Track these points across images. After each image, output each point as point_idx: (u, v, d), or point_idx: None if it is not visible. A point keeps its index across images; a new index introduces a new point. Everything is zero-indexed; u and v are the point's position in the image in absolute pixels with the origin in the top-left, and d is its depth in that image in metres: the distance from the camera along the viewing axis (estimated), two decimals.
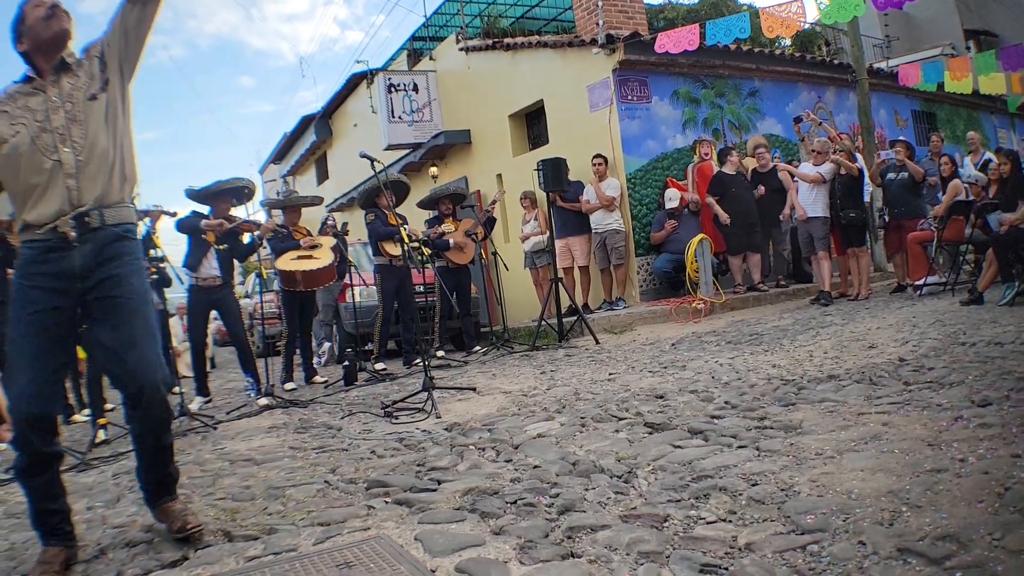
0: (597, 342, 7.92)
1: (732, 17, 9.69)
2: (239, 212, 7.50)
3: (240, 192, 7.22)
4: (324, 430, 4.98)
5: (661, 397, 4.29)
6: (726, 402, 3.89)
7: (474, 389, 5.69)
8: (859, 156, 9.19)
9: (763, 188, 9.67)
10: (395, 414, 5.07)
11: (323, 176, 21.32)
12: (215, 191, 7.04)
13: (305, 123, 20.32)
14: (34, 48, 2.61)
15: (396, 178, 9.01)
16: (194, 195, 7.15)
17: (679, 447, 3.14)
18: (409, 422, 4.75)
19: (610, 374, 5.56)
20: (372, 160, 5.93)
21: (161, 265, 6.52)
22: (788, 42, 19.62)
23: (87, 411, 7.84)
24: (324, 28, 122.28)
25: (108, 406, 7.26)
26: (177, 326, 12.10)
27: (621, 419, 3.83)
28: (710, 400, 4.03)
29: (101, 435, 5.95)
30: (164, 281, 6.82)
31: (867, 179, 9.32)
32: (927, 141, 13.20)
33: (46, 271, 2.52)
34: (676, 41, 9.66)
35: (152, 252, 6.21)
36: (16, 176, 2.52)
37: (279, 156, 24.34)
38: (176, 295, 8.70)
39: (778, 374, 4.63)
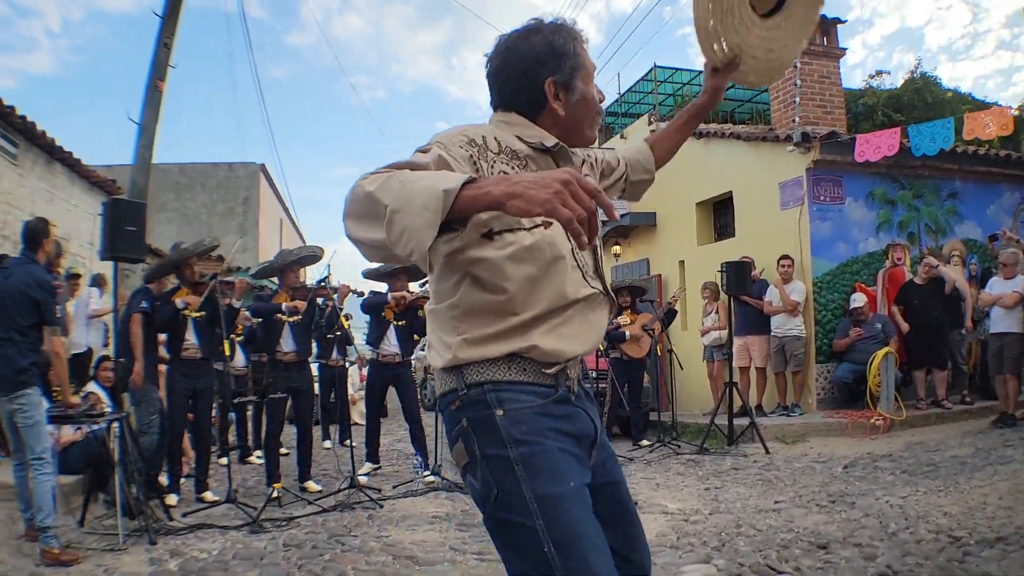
0: (767, 452, 7.85)
1: (936, 124, 9.39)
2: None
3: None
4: (482, 531, 5.23)
5: (824, 548, 4.31)
6: (887, 566, 3.88)
7: (635, 503, 5.79)
8: None
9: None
10: None
11: None
12: (390, 270, 7.36)
13: None
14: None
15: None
16: (372, 274, 7.64)
17: None
18: None
19: (776, 502, 5.56)
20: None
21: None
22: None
23: (259, 452, 8.61)
24: None
25: (283, 451, 7.53)
26: (355, 375, 12.97)
27: (780, 573, 3.91)
28: (872, 558, 4.03)
29: (275, 493, 6.13)
30: (347, 339, 8.50)
31: None
32: None
33: (564, 429, 1.71)
34: (876, 147, 9.42)
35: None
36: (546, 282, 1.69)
37: None
38: None
39: (948, 525, 4.54)
